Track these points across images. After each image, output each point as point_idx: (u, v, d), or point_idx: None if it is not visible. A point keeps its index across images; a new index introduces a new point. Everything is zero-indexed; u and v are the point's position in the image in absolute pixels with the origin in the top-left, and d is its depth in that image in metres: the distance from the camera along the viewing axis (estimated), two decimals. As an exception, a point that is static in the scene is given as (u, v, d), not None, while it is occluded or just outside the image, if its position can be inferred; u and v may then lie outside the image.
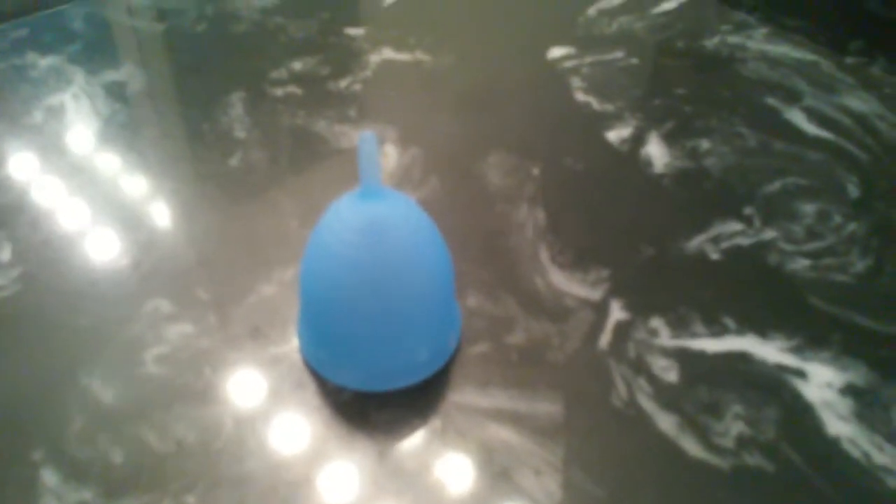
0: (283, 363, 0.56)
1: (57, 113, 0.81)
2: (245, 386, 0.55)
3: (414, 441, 0.51)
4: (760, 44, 0.92)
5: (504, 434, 0.52)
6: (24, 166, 0.74)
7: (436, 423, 0.52)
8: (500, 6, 1.02)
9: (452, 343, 0.57)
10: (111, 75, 0.86)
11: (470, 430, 0.52)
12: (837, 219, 0.68)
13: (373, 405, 0.53)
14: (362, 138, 0.47)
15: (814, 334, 0.58)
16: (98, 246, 0.66)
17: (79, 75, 0.86)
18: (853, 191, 0.71)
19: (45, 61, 0.89)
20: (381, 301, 0.51)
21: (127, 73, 0.87)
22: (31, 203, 0.70)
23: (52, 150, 0.76)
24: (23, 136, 0.77)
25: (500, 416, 0.53)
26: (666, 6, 1.00)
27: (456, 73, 0.88)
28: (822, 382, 0.55)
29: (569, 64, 0.88)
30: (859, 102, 0.82)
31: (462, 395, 0.54)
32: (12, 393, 0.54)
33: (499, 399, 0.54)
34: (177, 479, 0.49)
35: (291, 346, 0.57)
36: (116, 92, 0.84)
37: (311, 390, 0.54)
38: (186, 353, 0.57)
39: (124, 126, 0.79)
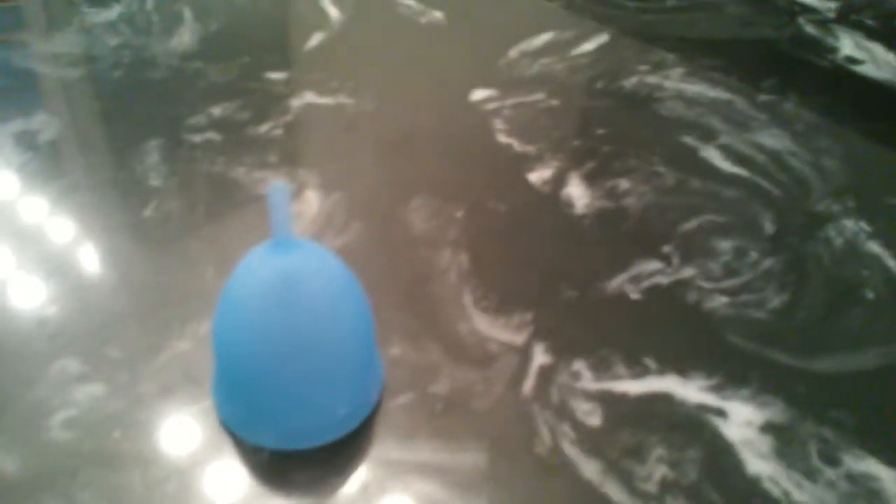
0: (197, 423, 0.54)
1: (-38, 164, 0.77)
2: (157, 448, 0.52)
3: (335, 501, 0.50)
4: (677, 83, 0.94)
5: (428, 488, 0.50)
6: (-75, 221, 0.70)
7: (357, 480, 0.51)
8: (423, 49, 1.02)
9: (374, 396, 0.55)
10: (21, 124, 0.83)
11: (393, 486, 0.51)
12: (754, 255, 0.69)
13: (292, 465, 0.52)
14: (273, 189, 0.46)
15: (733, 372, 0.58)
16: (2, 302, 0.63)
17: (-14, 124, 0.83)
18: (768, 227, 0.73)
19: (-49, 110, 0.85)
20: (297, 356, 0.49)
21: (39, 121, 0.84)
22: (-69, 260, 0.67)
23: (-44, 204, 0.72)
24: (-76, 189, 0.74)
25: (423, 469, 0.52)
26: (586, 47, 1.01)
27: (379, 116, 0.87)
28: (742, 421, 0.55)
29: (491, 106, 0.89)
30: (772, 139, 0.85)
31: (385, 450, 0.53)
32: None
33: (423, 452, 0.53)
34: (82, 552, 0.46)
35: (206, 405, 0.55)
36: (27, 141, 0.81)
37: (226, 451, 0.52)
38: (95, 415, 0.54)
39: (35, 176, 0.76)
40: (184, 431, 0.53)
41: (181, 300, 0.63)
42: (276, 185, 0.46)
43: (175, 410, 0.55)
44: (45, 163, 0.78)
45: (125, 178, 0.76)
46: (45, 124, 0.84)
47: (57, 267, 0.66)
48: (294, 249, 0.49)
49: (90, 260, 0.67)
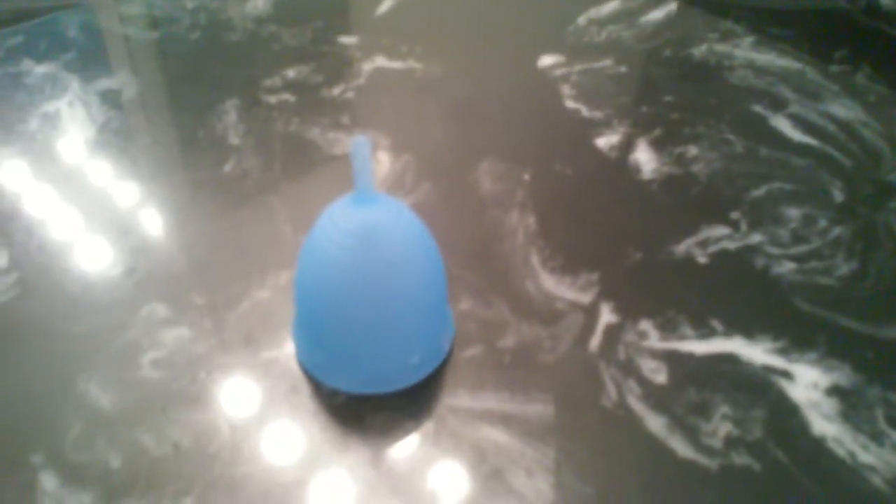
0: (277, 367, 0.57)
1: (52, 119, 0.81)
2: (240, 390, 0.55)
3: (407, 443, 0.52)
4: (747, 52, 0.94)
5: (496, 436, 0.52)
6: (20, 173, 0.74)
7: (429, 425, 0.53)
8: (491, 15, 1.03)
9: (445, 346, 0.57)
10: (106, 83, 0.87)
11: (462, 433, 0.53)
12: (822, 223, 0.69)
13: (367, 408, 0.54)
14: (355, 143, 0.48)
15: (800, 336, 0.59)
16: (93, 252, 0.66)
17: (74, 83, 0.87)
18: (838, 196, 0.72)
19: (41, 69, 0.89)
20: (374, 304, 0.51)
21: (121, 80, 0.88)
22: (27, 209, 0.70)
23: (47, 157, 0.76)
24: (18, 142, 0.78)
25: (492, 418, 0.53)
26: (654, 15, 1.01)
27: (448, 80, 0.89)
28: (808, 383, 0.56)
29: (559, 72, 0.90)
30: (844, 110, 0.84)
31: (455, 398, 0.55)
32: (10, 398, 0.55)
33: (491, 401, 0.55)
34: (173, 482, 0.50)
35: (285, 350, 0.58)
36: (111, 99, 0.84)
37: (305, 394, 0.55)
38: (182, 357, 0.57)
39: (119, 133, 0.80)
40: (265, 374, 0.56)
41: (261, 252, 0.66)
42: (358, 139, 0.48)
43: (257, 354, 0.58)
44: (128, 120, 0.82)
45: (205, 135, 0.79)
46: (126, 84, 0.87)
47: (141, 219, 0.70)
48: (374, 202, 0.51)
49: (173, 213, 0.71)
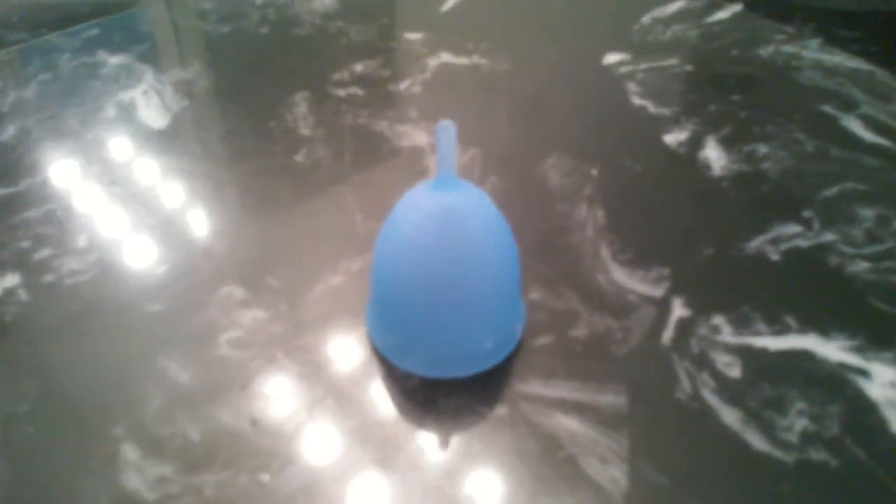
0: (352, 349, 0.58)
1: (128, 108, 0.83)
2: (317, 370, 0.56)
3: (481, 428, 0.53)
4: (815, 53, 0.93)
5: (569, 423, 0.53)
6: (97, 157, 0.77)
7: (501, 411, 0.54)
8: (554, 14, 1.04)
9: (517, 334, 0.58)
10: (179, 73, 0.89)
11: (536, 419, 0.53)
12: (897, 224, 0.68)
13: (440, 392, 0.55)
14: (441, 127, 0.49)
15: (876, 335, 0.58)
16: (170, 234, 0.68)
17: (148, 73, 0.89)
18: (912, 197, 0.71)
19: (115, 59, 0.92)
20: (452, 287, 0.52)
21: (194, 71, 0.90)
22: (105, 192, 0.72)
23: (124, 143, 0.78)
24: (96, 128, 0.80)
25: (564, 405, 0.54)
26: (719, 15, 1.01)
27: (513, 77, 0.89)
28: (885, 382, 0.55)
29: (624, 69, 0.90)
30: (917, 112, 0.82)
31: (527, 385, 0.55)
32: (93, 372, 0.57)
33: (563, 389, 0.55)
34: (252, 457, 0.51)
35: (360, 333, 0.59)
36: (184, 89, 0.86)
37: (379, 376, 0.56)
38: (259, 337, 0.59)
39: (193, 121, 0.82)
40: (340, 356, 0.57)
41: (333, 240, 0.67)
42: (444, 123, 0.49)
43: (331, 336, 0.59)
44: (202, 109, 0.84)
45: (276, 126, 0.81)
46: (199, 75, 0.89)
47: (217, 204, 0.71)
48: (455, 187, 0.52)
49: (247, 198, 0.72)
